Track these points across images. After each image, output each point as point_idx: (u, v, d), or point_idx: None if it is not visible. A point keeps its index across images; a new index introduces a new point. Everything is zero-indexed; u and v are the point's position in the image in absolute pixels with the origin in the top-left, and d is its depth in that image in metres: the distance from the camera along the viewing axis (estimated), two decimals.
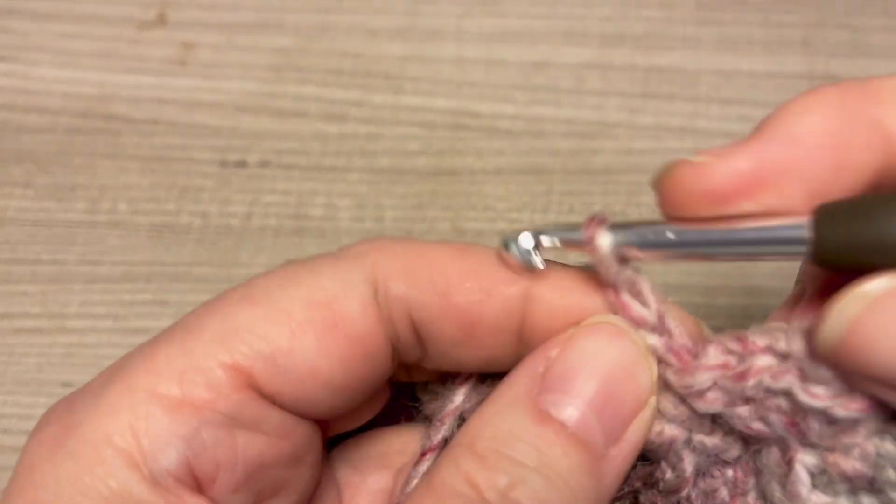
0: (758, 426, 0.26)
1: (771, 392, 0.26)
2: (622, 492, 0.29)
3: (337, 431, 0.31)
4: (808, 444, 0.26)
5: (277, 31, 0.59)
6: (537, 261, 0.27)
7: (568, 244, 0.27)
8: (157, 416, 0.25)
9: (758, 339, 0.26)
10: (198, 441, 0.25)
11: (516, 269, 0.28)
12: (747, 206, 0.25)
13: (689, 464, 0.28)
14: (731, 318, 0.45)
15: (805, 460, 0.26)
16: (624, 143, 0.53)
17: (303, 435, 0.28)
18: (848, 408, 0.25)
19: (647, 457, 0.29)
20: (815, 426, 0.26)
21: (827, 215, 0.24)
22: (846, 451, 0.26)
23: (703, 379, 0.26)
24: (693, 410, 0.27)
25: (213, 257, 0.50)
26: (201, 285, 0.49)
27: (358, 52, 0.58)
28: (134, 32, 0.59)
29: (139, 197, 0.52)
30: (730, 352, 0.27)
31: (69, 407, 0.26)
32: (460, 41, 0.58)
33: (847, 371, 0.24)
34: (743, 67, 0.56)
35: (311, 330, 0.26)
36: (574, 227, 0.27)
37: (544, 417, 0.25)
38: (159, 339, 0.27)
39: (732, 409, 0.26)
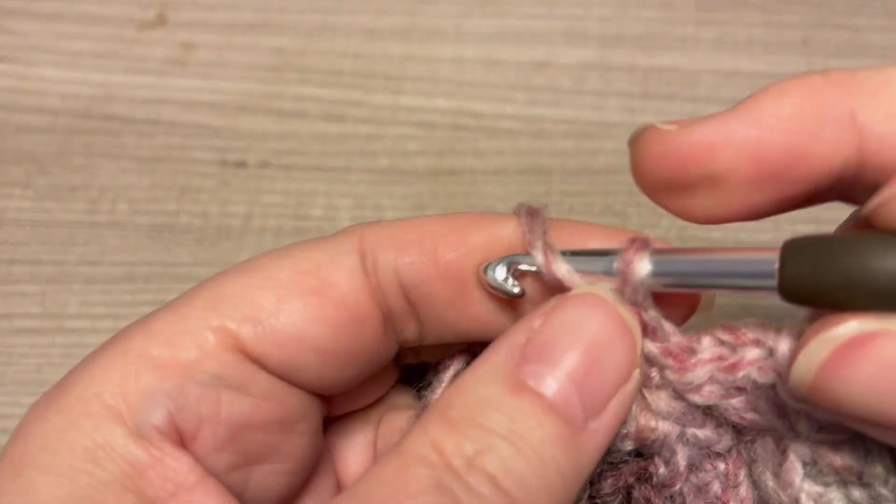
0: (751, 416, 0.27)
1: (758, 385, 0.26)
2: (615, 487, 0.30)
3: (344, 410, 0.32)
4: (798, 434, 0.26)
5: (277, 31, 0.59)
6: (512, 289, 0.28)
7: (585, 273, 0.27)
8: (144, 375, 0.26)
9: (748, 332, 0.27)
10: (182, 396, 0.26)
11: (494, 293, 0.28)
12: (701, 173, 0.26)
13: (682, 458, 0.28)
14: (732, 318, 0.45)
15: (798, 450, 0.26)
16: (624, 143, 0.52)
17: (294, 402, 0.28)
18: (824, 415, 0.25)
19: (641, 452, 0.29)
20: (802, 419, 0.26)
21: (794, 251, 0.24)
22: (835, 445, 0.26)
23: (700, 373, 0.27)
24: (687, 405, 0.27)
25: (213, 257, 0.50)
26: None
27: (358, 52, 0.58)
28: (134, 32, 0.59)
29: (139, 197, 0.52)
30: (722, 343, 0.27)
31: (70, 372, 0.27)
32: (460, 41, 0.58)
33: (822, 410, 0.24)
34: (743, 67, 0.56)
35: (297, 294, 0.27)
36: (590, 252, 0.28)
37: (521, 387, 0.24)
38: (158, 310, 0.28)
39: (727, 400, 0.27)
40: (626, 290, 0.26)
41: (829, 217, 0.52)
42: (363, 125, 0.55)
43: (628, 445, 0.28)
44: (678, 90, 0.55)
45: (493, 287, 0.28)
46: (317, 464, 0.31)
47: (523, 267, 0.28)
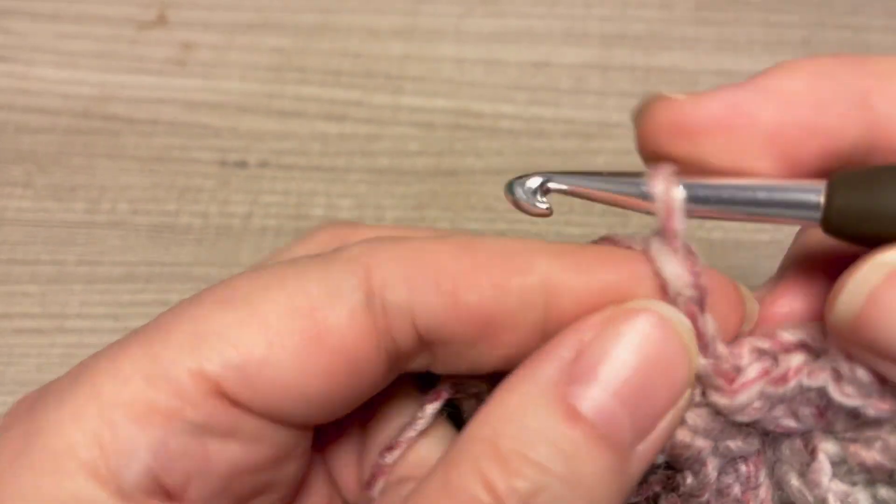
0: (788, 423, 0.26)
1: (807, 389, 0.25)
2: (641, 496, 0.29)
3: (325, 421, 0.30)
4: (830, 433, 0.26)
5: (277, 31, 0.59)
6: (541, 204, 0.26)
7: (610, 196, 0.26)
8: (122, 426, 0.23)
9: (789, 335, 0.26)
10: (165, 452, 0.24)
11: (523, 209, 0.26)
12: (711, 145, 0.25)
13: (712, 469, 0.27)
14: None
15: (828, 448, 0.26)
16: (624, 143, 0.53)
17: (284, 439, 0.26)
18: (878, 408, 0.24)
19: (670, 465, 0.28)
20: (841, 418, 0.26)
21: (842, 182, 0.24)
22: (868, 442, 0.25)
23: (751, 395, 0.25)
24: (726, 421, 0.26)
25: (213, 257, 0.50)
26: (201, 285, 0.48)
27: (358, 52, 0.58)
28: (134, 32, 0.59)
29: (139, 197, 0.52)
30: (762, 352, 0.26)
31: (31, 410, 0.25)
32: (460, 41, 0.58)
33: (862, 346, 0.23)
34: (743, 67, 0.56)
35: (289, 340, 0.24)
36: (613, 175, 0.26)
37: (573, 414, 0.23)
38: (127, 341, 0.25)
39: (770, 413, 0.26)
40: (669, 218, 0.25)
41: None
42: (363, 125, 0.55)
43: (660, 459, 0.27)
44: (678, 90, 0.55)
45: (517, 203, 0.26)
46: (307, 472, 0.29)
47: (554, 185, 0.26)
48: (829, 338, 0.25)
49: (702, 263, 0.25)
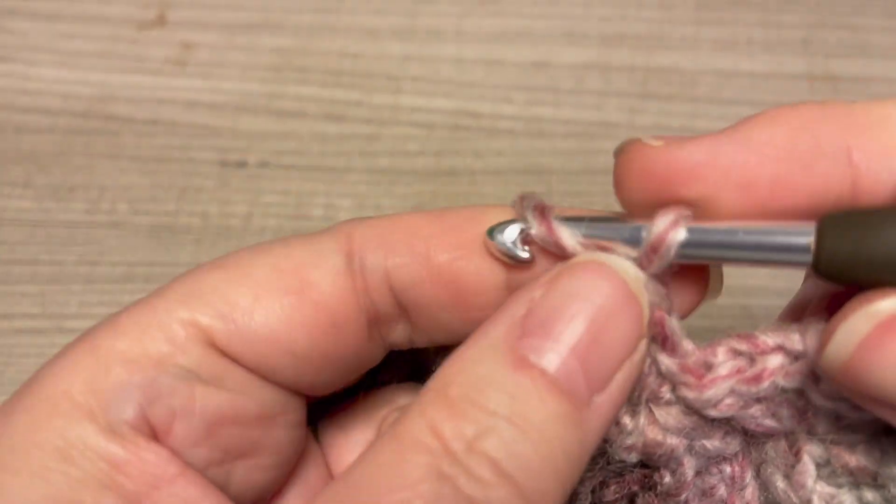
0: (769, 423, 0.26)
1: (783, 390, 0.25)
2: (618, 494, 0.29)
3: (318, 395, 0.30)
4: (814, 436, 0.26)
5: (277, 31, 0.59)
6: (521, 253, 0.27)
7: (596, 243, 0.26)
8: (114, 370, 0.25)
9: (768, 339, 0.26)
10: (153, 389, 0.25)
11: (499, 258, 0.27)
12: (684, 193, 0.25)
13: (689, 468, 0.27)
14: (732, 318, 0.45)
15: (812, 451, 0.26)
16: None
17: (271, 397, 0.27)
18: (858, 409, 0.25)
19: (646, 463, 0.28)
20: (823, 420, 0.26)
21: (832, 225, 0.23)
22: (851, 445, 0.26)
23: (721, 390, 0.26)
24: (700, 418, 0.27)
25: (213, 257, 0.50)
26: None
27: (358, 52, 0.58)
28: (134, 32, 0.59)
29: (139, 197, 0.52)
30: (739, 353, 0.26)
31: (36, 373, 0.26)
32: (460, 41, 0.58)
33: (851, 391, 0.23)
34: (742, 68, 0.56)
35: (273, 293, 0.26)
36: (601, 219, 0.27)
37: (522, 363, 0.23)
38: (128, 306, 0.27)
39: (746, 410, 0.26)
40: (653, 260, 0.25)
41: None
42: (363, 125, 0.55)
43: (634, 457, 0.27)
44: (678, 90, 0.55)
45: (499, 251, 0.27)
46: (303, 457, 0.30)
47: (535, 232, 0.27)
48: (821, 374, 0.25)
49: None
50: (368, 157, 0.53)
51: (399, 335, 0.29)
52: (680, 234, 0.25)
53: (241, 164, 0.53)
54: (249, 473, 0.27)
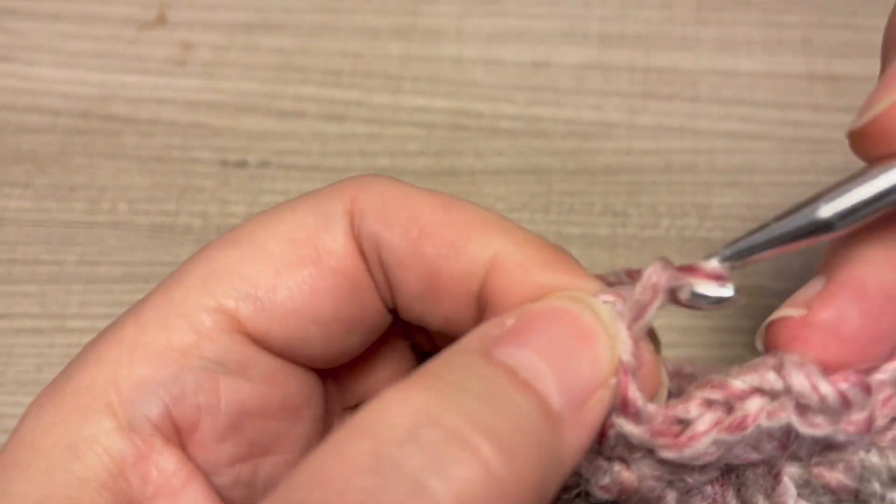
0: (750, 456, 0.26)
1: (766, 428, 0.25)
2: None
3: (355, 397, 0.31)
4: (793, 458, 0.26)
5: (277, 31, 0.59)
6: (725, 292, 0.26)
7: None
8: (138, 364, 0.25)
9: (742, 383, 0.25)
10: (178, 386, 0.25)
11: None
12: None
13: (671, 500, 0.27)
14: (732, 319, 0.45)
15: (792, 472, 0.26)
16: (624, 143, 0.53)
17: (296, 385, 0.27)
18: (847, 431, 0.24)
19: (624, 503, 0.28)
20: (805, 444, 0.25)
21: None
22: (831, 464, 0.26)
23: (702, 445, 0.25)
24: (677, 464, 0.26)
25: None
26: None
27: (358, 52, 0.58)
28: (134, 32, 0.59)
29: (139, 197, 0.52)
30: (712, 403, 0.25)
31: (67, 366, 0.27)
32: (460, 41, 0.58)
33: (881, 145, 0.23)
34: (743, 67, 0.56)
35: (293, 266, 0.26)
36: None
37: (497, 361, 0.22)
38: (149, 294, 0.27)
39: (729, 453, 0.26)
40: (649, 304, 0.25)
41: None
42: (363, 125, 0.55)
43: (609, 497, 0.27)
44: (678, 90, 0.55)
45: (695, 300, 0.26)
46: None
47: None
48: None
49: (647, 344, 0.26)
50: (368, 157, 0.53)
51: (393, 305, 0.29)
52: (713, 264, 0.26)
53: (241, 164, 0.53)
54: (276, 471, 0.27)
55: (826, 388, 0.24)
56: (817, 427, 0.24)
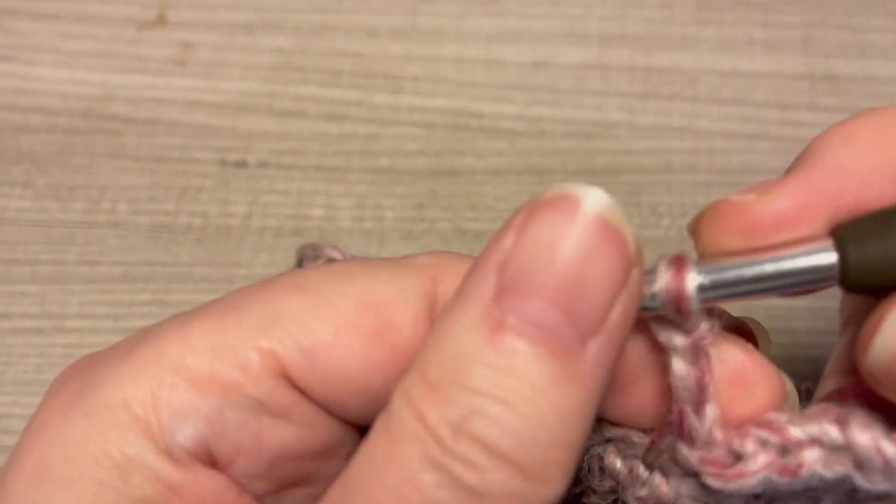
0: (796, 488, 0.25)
1: (824, 479, 0.24)
2: None
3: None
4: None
5: (277, 31, 0.59)
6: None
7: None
8: (181, 389, 0.23)
9: (801, 433, 0.24)
10: (220, 422, 0.24)
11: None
12: (781, 238, 0.24)
13: None
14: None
15: None
16: (624, 143, 0.53)
17: (335, 431, 0.26)
18: None
19: None
20: (862, 497, 0.25)
21: (851, 236, 0.23)
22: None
23: (752, 483, 0.24)
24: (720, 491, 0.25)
25: (213, 257, 0.50)
26: (201, 285, 0.49)
27: (358, 52, 0.58)
28: (134, 32, 0.59)
29: (139, 197, 0.52)
30: (767, 444, 0.25)
31: (91, 365, 0.25)
32: (460, 41, 0.58)
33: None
34: (743, 67, 0.56)
35: (355, 332, 0.25)
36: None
37: (501, 328, 0.21)
38: (198, 311, 0.25)
39: (770, 487, 0.25)
40: (682, 314, 0.24)
41: None
42: (363, 125, 0.55)
43: None
44: (678, 90, 0.55)
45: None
46: None
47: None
48: (863, 378, 0.24)
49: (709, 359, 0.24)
50: (368, 157, 0.53)
51: None
52: (693, 282, 0.24)
53: (241, 164, 0.53)
54: (301, 501, 0.27)
55: (891, 450, 0.23)
56: (876, 483, 0.23)
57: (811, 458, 0.24)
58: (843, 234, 0.23)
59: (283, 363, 0.24)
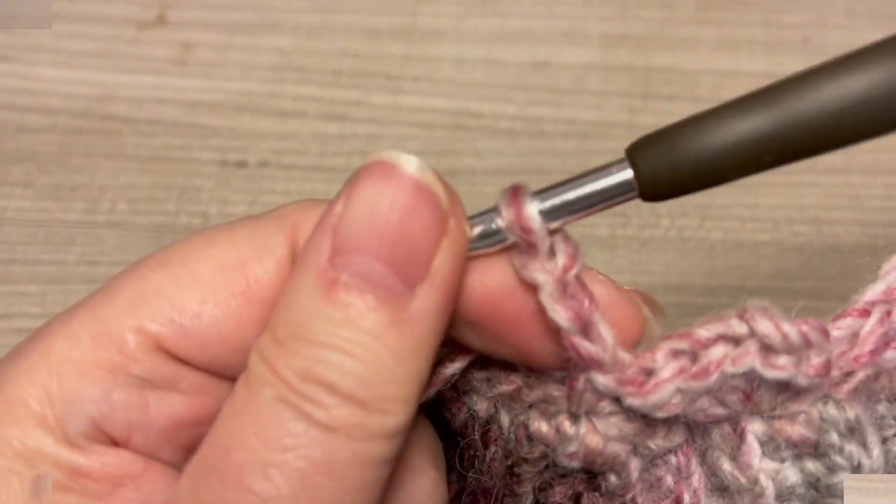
0: (717, 412, 0.26)
1: (732, 377, 0.26)
2: (564, 496, 0.29)
3: None
4: (756, 413, 0.27)
5: (277, 31, 0.59)
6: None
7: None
8: (69, 380, 0.25)
9: (706, 331, 0.26)
10: (107, 403, 0.25)
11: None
12: None
13: (634, 469, 0.27)
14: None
15: (755, 429, 0.27)
16: (624, 143, 0.52)
17: (228, 390, 0.27)
18: (808, 374, 0.25)
19: (590, 469, 0.28)
20: (767, 396, 0.26)
21: (640, 151, 0.26)
22: (792, 418, 0.26)
23: (666, 393, 0.25)
24: (642, 422, 0.27)
25: None
26: None
27: (358, 52, 0.58)
28: (134, 32, 0.59)
29: (139, 197, 0.52)
30: (679, 352, 0.26)
31: None
32: (460, 41, 0.58)
33: None
34: (743, 67, 0.56)
35: (220, 294, 0.26)
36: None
37: (334, 285, 0.24)
38: (79, 304, 0.27)
39: (693, 405, 0.26)
40: (528, 234, 0.26)
41: (830, 217, 0.52)
42: (363, 125, 0.55)
43: (576, 464, 0.27)
44: (678, 90, 0.55)
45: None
46: None
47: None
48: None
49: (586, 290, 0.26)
50: (368, 157, 0.53)
51: None
52: (532, 206, 0.26)
53: (241, 164, 0.53)
54: None
55: (788, 327, 0.25)
56: (780, 369, 0.25)
57: (718, 355, 0.25)
58: (633, 151, 0.26)
59: (158, 338, 0.26)
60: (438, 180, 0.26)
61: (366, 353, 0.23)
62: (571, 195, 0.27)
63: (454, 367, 0.29)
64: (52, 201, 0.52)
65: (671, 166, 0.25)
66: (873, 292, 0.27)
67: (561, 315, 0.25)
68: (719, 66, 0.56)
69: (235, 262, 0.27)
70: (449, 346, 0.29)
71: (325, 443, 0.23)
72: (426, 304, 0.24)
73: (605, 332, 0.25)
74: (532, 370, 0.28)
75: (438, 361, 0.29)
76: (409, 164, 0.25)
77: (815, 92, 0.24)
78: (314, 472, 0.23)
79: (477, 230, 0.26)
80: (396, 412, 0.24)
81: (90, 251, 0.51)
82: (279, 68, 0.57)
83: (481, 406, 0.29)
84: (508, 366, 0.29)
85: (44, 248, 0.51)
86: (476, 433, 0.30)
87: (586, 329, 0.25)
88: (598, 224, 0.50)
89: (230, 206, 0.52)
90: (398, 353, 0.24)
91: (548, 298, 0.25)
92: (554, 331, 0.26)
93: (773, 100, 0.25)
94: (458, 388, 0.30)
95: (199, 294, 0.26)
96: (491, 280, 0.27)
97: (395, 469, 0.26)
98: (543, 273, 0.25)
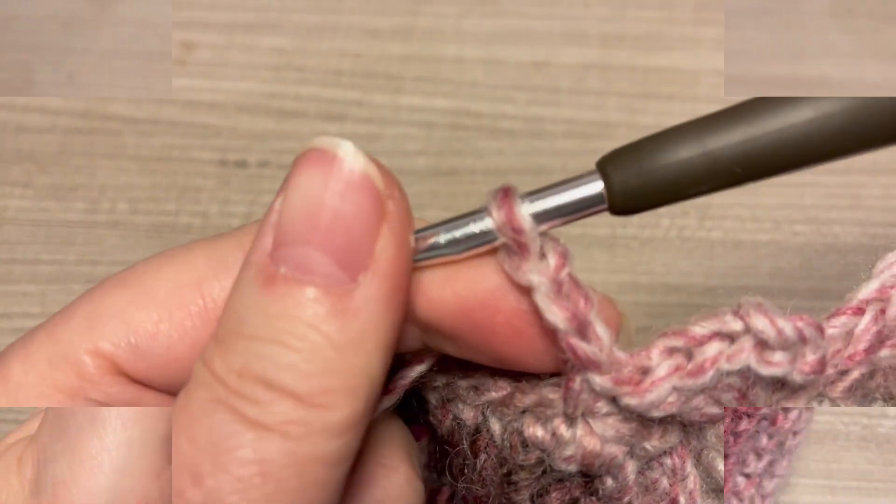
0: (712, 410, 0.26)
1: (727, 374, 0.25)
2: (561, 501, 0.29)
3: None
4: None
5: (277, 31, 0.59)
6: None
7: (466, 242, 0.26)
8: (27, 405, 0.25)
9: (701, 328, 0.26)
10: None
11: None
12: None
13: (631, 472, 0.27)
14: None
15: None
16: (624, 143, 0.53)
17: None
18: (803, 371, 0.25)
19: (587, 472, 0.28)
20: (762, 394, 0.26)
21: (611, 163, 0.25)
22: (786, 413, 0.27)
23: (662, 392, 0.25)
24: (638, 422, 0.26)
25: None
26: None
27: (358, 52, 0.58)
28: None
29: (139, 197, 0.52)
30: (675, 350, 0.26)
31: None
32: (460, 41, 0.58)
33: None
34: None
35: (177, 314, 0.26)
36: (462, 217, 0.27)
37: (272, 280, 0.23)
38: (38, 327, 0.27)
39: (689, 404, 0.26)
40: (519, 236, 0.25)
41: (829, 217, 0.52)
42: (363, 125, 0.55)
43: (573, 468, 0.27)
44: (678, 90, 0.55)
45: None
46: None
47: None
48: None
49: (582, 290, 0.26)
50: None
51: None
52: (525, 207, 0.26)
53: (241, 164, 0.53)
54: None
55: (784, 323, 0.25)
56: (775, 366, 0.25)
57: (713, 352, 0.25)
58: (604, 165, 0.25)
59: (114, 359, 0.25)
60: (374, 164, 0.25)
61: (303, 344, 0.22)
62: (551, 202, 0.26)
63: (418, 370, 0.28)
64: (52, 201, 0.52)
65: (642, 178, 0.25)
66: (867, 290, 0.27)
67: (557, 315, 0.25)
68: (719, 66, 0.56)
69: (192, 281, 0.26)
70: (416, 353, 0.29)
71: (256, 443, 0.22)
72: (370, 292, 0.23)
73: (601, 331, 0.25)
74: (520, 374, 0.28)
75: (405, 364, 0.29)
76: (342, 148, 0.25)
77: (783, 113, 0.24)
78: (249, 474, 0.21)
79: (462, 232, 0.26)
80: (340, 406, 0.22)
81: (90, 251, 0.51)
82: (279, 68, 0.57)
83: (468, 414, 0.29)
84: (495, 372, 0.28)
85: (44, 247, 0.51)
86: (465, 442, 0.29)
87: (582, 329, 0.25)
88: (597, 223, 0.50)
89: (230, 205, 0.52)
90: (338, 343, 0.22)
91: (543, 299, 0.25)
92: (538, 333, 0.26)
93: (745, 116, 0.25)
94: (443, 397, 0.29)
95: (155, 314, 0.26)
96: (463, 290, 0.26)
97: (366, 467, 0.25)
98: (537, 274, 0.25)
